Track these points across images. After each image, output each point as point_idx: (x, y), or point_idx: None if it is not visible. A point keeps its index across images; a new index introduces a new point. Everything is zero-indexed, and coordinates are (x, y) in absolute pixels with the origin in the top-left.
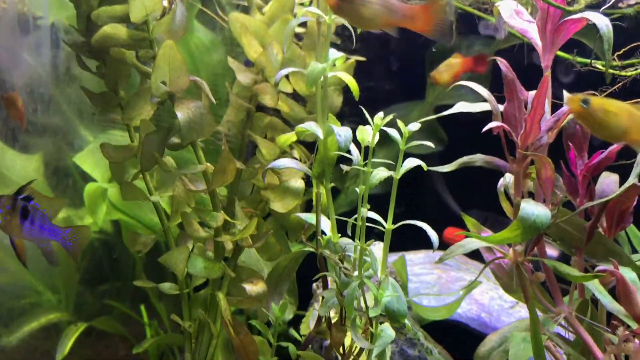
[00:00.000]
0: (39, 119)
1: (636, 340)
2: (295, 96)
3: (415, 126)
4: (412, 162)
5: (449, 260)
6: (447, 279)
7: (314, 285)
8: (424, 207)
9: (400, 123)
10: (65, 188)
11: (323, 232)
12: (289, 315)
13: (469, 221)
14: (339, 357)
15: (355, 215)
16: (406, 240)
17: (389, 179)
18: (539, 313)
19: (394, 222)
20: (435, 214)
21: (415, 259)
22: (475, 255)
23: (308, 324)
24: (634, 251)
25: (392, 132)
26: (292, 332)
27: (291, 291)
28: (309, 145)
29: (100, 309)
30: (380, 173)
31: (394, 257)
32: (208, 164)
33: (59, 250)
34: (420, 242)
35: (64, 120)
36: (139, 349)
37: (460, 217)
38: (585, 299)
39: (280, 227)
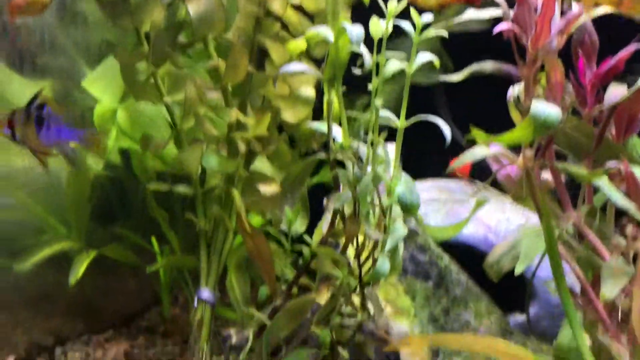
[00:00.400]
0: (44, 58)
1: None
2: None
3: (428, 17)
4: (425, 57)
5: (455, 185)
6: (453, 201)
7: (325, 200)
8: (431, 139)
9: (413, 13)
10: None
11: (334, 139)
12: (301, 227)
13: (478, 133)
14: (352, 259)
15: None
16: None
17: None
18: None
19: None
20: (441, 146)
21: (422, 187)
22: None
23: (321, 232)
24: None
25: (406, 25)
26: (306, 237)
27: (303, 205)
28: (318, 63)
29: (111, 241)
30: (394, 65)
31: None
32: (220, 60)
33: (68, 187)
34: (426, 175)
35: (69, 60)
36: (151, 268)
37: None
38: (594, 206)
39: (292, 138)
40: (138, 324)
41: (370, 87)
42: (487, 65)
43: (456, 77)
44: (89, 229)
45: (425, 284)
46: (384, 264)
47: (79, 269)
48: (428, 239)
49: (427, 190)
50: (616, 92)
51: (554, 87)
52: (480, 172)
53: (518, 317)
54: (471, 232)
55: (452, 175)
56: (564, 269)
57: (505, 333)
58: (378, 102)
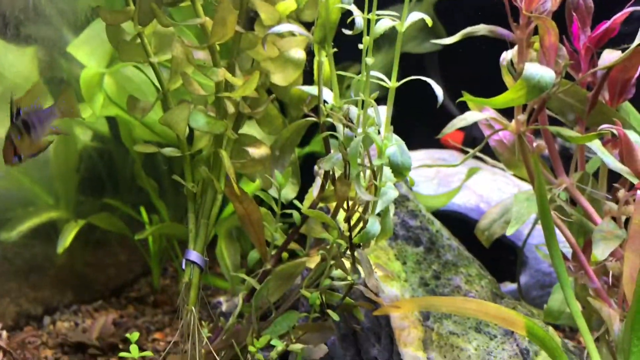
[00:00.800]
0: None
1: (638, 192)
2: None
3: None
4: (416, 15)
5: (447, 156)
6: (446, 172)
7: (315, 167)
8: (423, 111)
9: None
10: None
11: (325, 102)
12: (292, 194)
13: (469, 97)
14: (342, 222)
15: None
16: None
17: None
18: None
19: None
20: (433, 117)
21: (415, 157)
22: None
23: (312, 197)
24: None
25: None
26: (296, 202)
27: (294, 170)
28: (308, 28)
29: (100, 212)
30: (385, 22)
31: None
32: (207, 18)
33: (55, 158)
34: (418, 146)
35: (53, 28)
36: (141, 235)
37: None
38: (586, 172)
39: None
40: (128, 295)
41: (361, 46)
42: (480, 29)
43: (449, 40)
44: (77, 200)
45: (416, 248)
46: (374, 224)
47: (67, 238)
48: (419, 204)
49: (420, 161)
50: (610, 58)
51: (548, 49)
52: (473, 142)
53: (509, 286)
54: (463, 200)
55: (445, 146)
56: (555, 233)
57: (496, 297)
58: (369, 60)
